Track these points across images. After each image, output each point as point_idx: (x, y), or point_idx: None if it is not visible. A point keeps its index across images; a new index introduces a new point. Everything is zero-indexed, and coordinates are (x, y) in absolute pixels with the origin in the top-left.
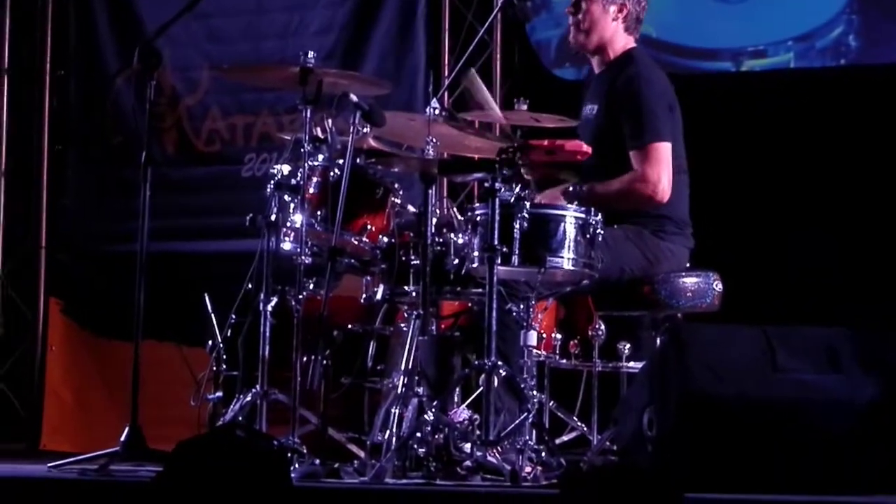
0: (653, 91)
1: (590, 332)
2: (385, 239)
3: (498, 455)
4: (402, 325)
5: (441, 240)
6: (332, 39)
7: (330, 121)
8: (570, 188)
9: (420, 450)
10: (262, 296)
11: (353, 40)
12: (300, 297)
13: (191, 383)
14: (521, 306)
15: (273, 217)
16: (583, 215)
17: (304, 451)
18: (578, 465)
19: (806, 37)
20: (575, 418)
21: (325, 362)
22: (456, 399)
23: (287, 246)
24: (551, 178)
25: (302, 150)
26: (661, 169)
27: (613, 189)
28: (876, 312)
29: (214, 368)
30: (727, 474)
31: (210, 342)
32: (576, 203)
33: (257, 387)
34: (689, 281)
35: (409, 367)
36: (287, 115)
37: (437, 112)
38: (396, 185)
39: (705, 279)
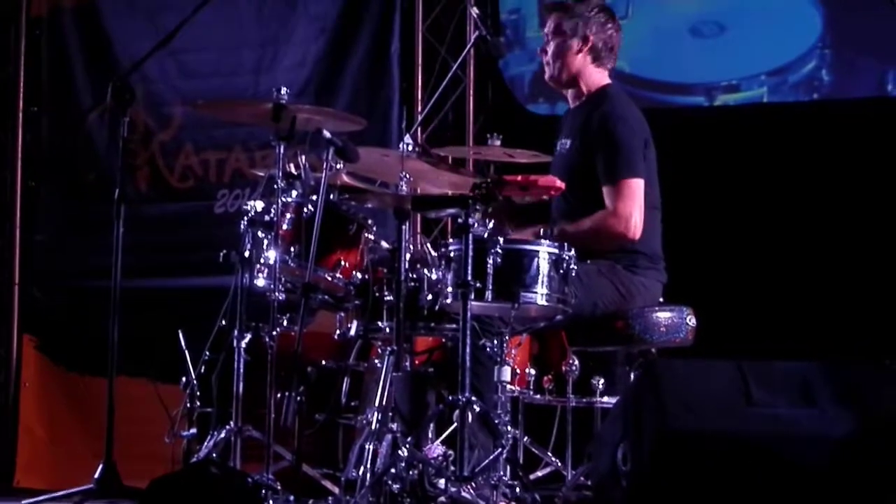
0: (627, 128)
1: (564, 368)
2: (359, 275)
3: (472, 491)
4: (376, 360)
5: (415, 275)
6: (305, 75)
7: (303, 157)
8: (542, 231)
9: (394, 486)
10: (235, 332)
11: (327, 76)
12: (274, 333)
13: (164, 420)
14: (495, 342)
15: (247, 253)
16: (556, 250)
17: (279, 487)
18: (553, 501)
19: (779, 71)
20: (549, 454)
21: (299, 398)
22: (430, 435)
23: (261, 282)
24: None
25: (275, 186)
26: (633, 205)
27: (585, 228)
28: (850, 346)
29: (188, 405)
30: None
31: (184, 378)
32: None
33: (231, 423)
34: (663, 315)
35: (384, 403)
36: (260, 151)
37: (410, 148)
38: (370, 221)
39: (679, 314)
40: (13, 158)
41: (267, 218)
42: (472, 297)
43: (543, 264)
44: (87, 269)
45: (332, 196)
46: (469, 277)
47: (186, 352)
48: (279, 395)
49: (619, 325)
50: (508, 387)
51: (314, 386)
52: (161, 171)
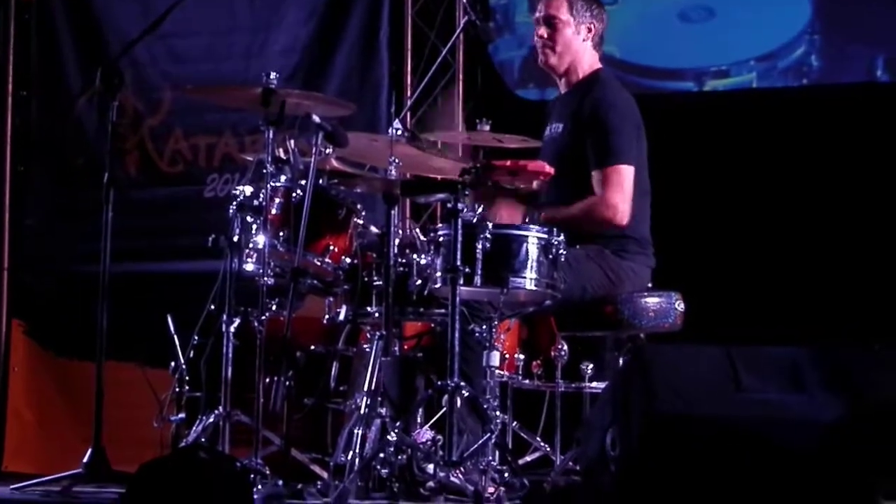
0: (618, 114)
1: (552, 353)
2: (348, 260)
3: (461, 475)
4: (365, 345)
5: (404, 260)
6: (294, 60)
7: (292, 141)
8: (528, 215)
9: (383, 470)
10: (224, 317)
11: (316, 61)
12: (263, 318)
13: (153, 404)
14: (484, 327)
15: (235, 238)
16: (545, 235)
17: (268, 472)
18: (542, 486)
19: (768, 57)
20: (538, 439)
21: (287, 383)
22: (419, 420)
23: (250, 267)
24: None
25: (264, 170)
26: (622, 192)
27: (573, 212)
28: (839, 331)
29: (177, 389)
30: (691, 495)
31: (173, 363)
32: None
33: (220, 408)
34: (652, 301)
35: (372, 387)
36: (249, 136)
37: (399, 133)
38: (359, 206)
39: (667, 299)
40: (2, 143)
41: (256, 202)
42: (462, 282)
43: (532, 249)
44: (76, 253)
45: (321, 181)
46: (458, 262)
47: (175, 336)
48: (268, 380)
49: (608, 310)
50: (497, 372)
51: (303, 370)
52: (150, 156)
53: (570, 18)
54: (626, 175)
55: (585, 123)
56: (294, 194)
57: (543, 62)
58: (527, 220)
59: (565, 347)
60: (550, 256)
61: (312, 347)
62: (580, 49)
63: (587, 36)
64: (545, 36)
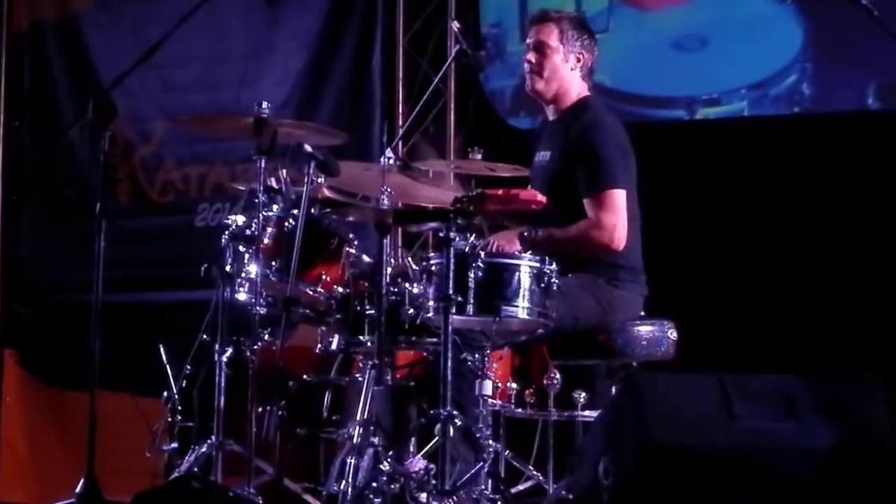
0: (608, 138)
1: (545, 381)
2: (340, 289)
3: None
4: (358, 375)
5: (396, 289)
6: (286, 89)
7: (284, 171)
8: (526, 232)
9: (376, 500)
10: (217, 346)
11: (308, 90)
12: (255, 347)
13: (146, 434)
14: (477, 356)
15: (228, 267)
16: (538, 264)
17: (260, 501)
18: None
19: (760, 85)
20: (531, 467)
21: (280, 412)
22: (412, 449)
23: (242, 296)
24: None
25: (256, 200)
26: (617, 216)
27: (570, 235)
28: (832, 358)
29: (170, 419)
30: None
31: (165, 393)
32: (531, 248)
33: (213, 437)
34: (644, 329)
35: (365, 417)
36: (241, 165)
37: (391, 161)
38: (351, 235)
39: (660, 327)
40: None
41: (248, 232)
42: (454, 310)
43: (525, 278)
44: (68, 283)
45: (313, 210)
46: (451, 291)
47: (168, 366)
48: (260, 409)
49: (601, 338)
50: (490, 400)
51: (295, 400)
52: (142, 186)
53: (560, 46)
54: (619, 199)
55: (574, 150)
56: (286, 224)
57: (530, 88)
58: (525, 236)
59: (558, 376)
60: (543, 285)
61: (305, 377)
62: (568, 77)
63: (575, 65)
64: (533, 61)
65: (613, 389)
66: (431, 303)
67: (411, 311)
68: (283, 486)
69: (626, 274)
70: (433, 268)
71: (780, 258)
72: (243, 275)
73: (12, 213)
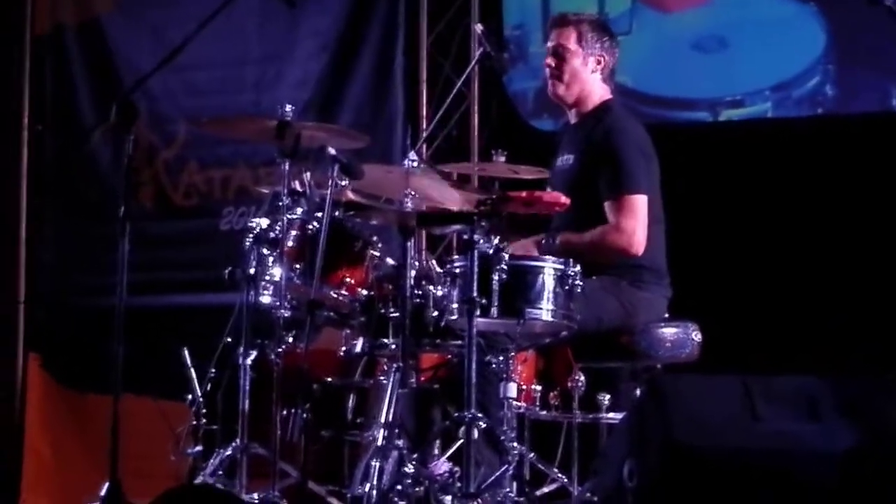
0: (629, 142)
1: (569, 384)
2: (364, 292)
3: None
4: (382, 377)
5: (420, 292)
6: (308, 91)
7: (308, 174)
8: (544, 240)
9: (400, 503)
10: (241, 349)
11: (330, 92)
12: (279, 350)
13: (169, 437)
14: (501, 358)
15: (252, 270)
16: (561, 266)
17: None
18: None
19: (783, 86)
20: (555, 470)
21: (304, 415)
22: (436, 451)
23: (266, 299)
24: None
25: (280, 203)
26: (636, 221)
27: (587, 240)
28: (855, 360)
29: (194, 422)
30: None
31: (189, 396)
32: (549, 254)
33: (237, 440)
34: (668, 331)
35: (389, 419)
36: (264, 168)
37: (414, 164)
38: (375, 238)
39: (684, 329)
40: (18, 177)
41: (272, 235)
42: (478, 313)
43: (549, 280)
44: (92, 286)
45: (337, 213)
46: (475, 294)
47: (192, 369)
48: (285, 412)
49: (625, 340)
50: (514, 403)
51: (320, 403)
52: (165, 189)
53: (579, 49)
54: (639, 204)
55: (596, 154)
56: (310, 227)
57: (552, 92)
58: (542, 244)
59: (582, 378)
60: (566, 287)
61: (329, 379)
62: (588, 80)
63: (596, 68)
64: (552, 65)
65: (637, 391)
66: (455, 305)
67: (435, 313)
68: (307, 489)
69: (650, 276)
70: (457, 270)
71: (804, 260)
72: (267, 278)
73: (36, 218)
